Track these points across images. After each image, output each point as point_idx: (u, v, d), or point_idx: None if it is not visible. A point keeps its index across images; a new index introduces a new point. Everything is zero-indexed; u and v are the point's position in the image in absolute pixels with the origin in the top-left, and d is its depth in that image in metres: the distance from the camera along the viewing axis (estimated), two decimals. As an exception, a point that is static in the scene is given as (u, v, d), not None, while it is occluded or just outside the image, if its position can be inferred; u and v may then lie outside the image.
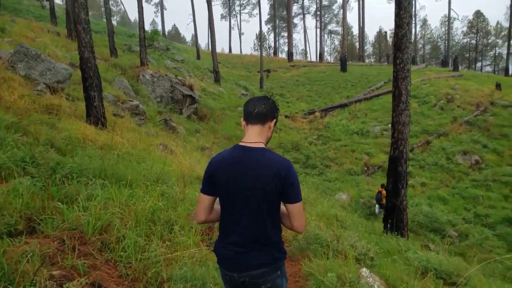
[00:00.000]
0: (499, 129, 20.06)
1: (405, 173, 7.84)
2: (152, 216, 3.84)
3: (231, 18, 68.15)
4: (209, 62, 30.72)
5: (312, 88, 31.82)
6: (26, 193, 3.44)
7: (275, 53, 55.71)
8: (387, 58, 48.02)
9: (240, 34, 73.29)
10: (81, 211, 3.41)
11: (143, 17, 19.24)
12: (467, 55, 65.60)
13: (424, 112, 23.12)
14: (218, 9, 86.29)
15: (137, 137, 8.39)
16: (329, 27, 70.69)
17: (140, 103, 12.97)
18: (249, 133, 2.04)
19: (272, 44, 62.51)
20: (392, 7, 8.19)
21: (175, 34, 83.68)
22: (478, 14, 62.98)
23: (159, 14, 64.71)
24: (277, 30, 61.94)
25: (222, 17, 69.78)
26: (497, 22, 64.21)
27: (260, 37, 39.79)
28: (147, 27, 48.30)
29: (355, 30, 68.26)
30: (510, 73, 47.75)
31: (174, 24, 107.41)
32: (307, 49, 78.77)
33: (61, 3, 37.92)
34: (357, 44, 66.89)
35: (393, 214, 7.66)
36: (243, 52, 63.37)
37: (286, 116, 24.58)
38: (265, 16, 70.38)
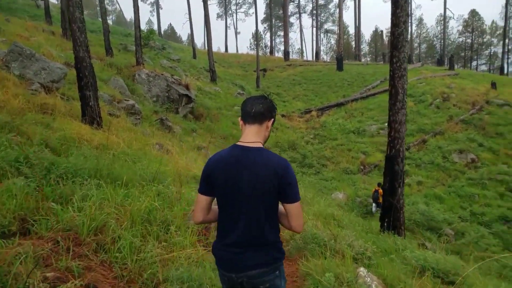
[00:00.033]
0: (495, 127, 20.14)
1: (402, 172, 7.85)
2: (148, 216, 3.81)
3: (227, 17, 68.12)
4: (205, 61, 30.63)
5: (309, 87, 31.83)
6: (20, 194, 3.40)
7: (271, 52, 55.61)
8: (383, 57, 48.13)
9: (236, 33, 73.15)
10: (76, 212, 3.37)
11: (138, 16, 19.13)
12: (463, 54, 65.86)
13: (420, 111, 23.17)
14: (214, 8, 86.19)
15: (133, 137, 8.33)
16: (325, 26, 70.80)
17: (136, 102, 12.90)
18: (246, 132, 2.02)
19: (269, 43, 62.37)
20: (388, 6, 8.20)
21: (171, 33, 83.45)
22: (474, 13, 63.29)
23: (155, 14, 64.47)
24: (273, 29, 61.81)
25: (218, 16, 69.66)
26: (492, 21, 64.56)
27: (257, 36, 39.76)
28: (143, 26, 48.20)
29: (351, 29, 68.65)
30: (505, 72, 48.07)
31: (170, 23, 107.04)
32: (304, 48, 78.82)
33: (56, 2, 37.67)
34: (353, 43, 67.01)
35: (390, 213, 7.67)
36: (240, 51, 63.42)
37: (283, 115, 24.58)
38: (261, 15, 70.32)
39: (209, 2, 30.01)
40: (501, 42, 52.14)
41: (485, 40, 65.31)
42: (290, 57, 49.52)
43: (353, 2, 55.49)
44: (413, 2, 54.54)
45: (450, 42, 65.59)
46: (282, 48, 52.69)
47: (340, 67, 35.81)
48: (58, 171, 4.27)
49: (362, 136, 21.61)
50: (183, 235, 3.74)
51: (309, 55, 78.65)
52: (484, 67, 67.16)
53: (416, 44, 69.36)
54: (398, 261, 4.60)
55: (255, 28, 40.64)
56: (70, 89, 10.11)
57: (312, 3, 63.10)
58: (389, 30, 8.33)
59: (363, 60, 58.94)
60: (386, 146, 8.20)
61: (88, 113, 8.19)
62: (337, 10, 45.38)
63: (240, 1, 68.90)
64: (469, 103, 23.14)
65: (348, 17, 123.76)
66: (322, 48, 73.76)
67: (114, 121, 9.42)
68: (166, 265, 3.22)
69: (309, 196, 9.25)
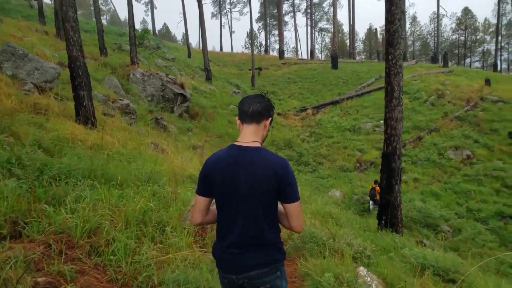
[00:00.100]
0: (489, 124, 20.22)
1: (399, 169, 7.82)
2: (143, 217, 3.74)
3: (222, 16, 67.99)
4: (200, 60, 30.52)
5: (304, 85, 31.83)
6: (11, 196, 3.31)
7: (266, 51, 55.52)
8: (378, 55, 48.18)
9: (231, 32, 73.12)
10: (69, 214, 3.29)
11: (133, 16, 18.99)
12: (456, 51, 66.26)
13: (415, 108, 23.22)
14: (208, 8, 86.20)
15: (127, 136, 8.25)
16: (320, 25, 70.86)
17: (130, 102, 12.79)
18: (244, 132, 2.00)
19: (263, 42, 62.33)
20: (382, 4, 8.17)
21: (166, 32, 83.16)
22: (466, 11, 63.68)
23: (149, 13, 64.14)
24: (268, 28, 61.68)
25: (213, 15, 69.53)
26: (485, 19, 65.09)
27: (251, 35, 39.72)
28: (138, 26, 47.97)
29: (346, 28, 68.67)
30: (498, 68, 48.36)
31: (165, 23, 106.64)
32: (298, 46, 78.78)
33: (50, 3, 37.26)
34: (347, 41, 67.04)
35: (387, 211, 7.64)
36: (234, 50, 63.25)
37: (278, 114, 24.56)
38: (255, 14, 70.27)
39: (203, 2, 29.89)
40: (494, 39, 52.41)
41: (478, 37, 65.78)
42: (285, 55, 49.48)
43: (347, 0, 55.62)
44: (406, 0, 54.70)
45: (443, 39, 65.93)
46: (277, 46, 52.64)
47: (335, 65, 35.82)
48: (51, 172, 4.19)
49: (357, 134, 21.63)
50: (179, 236, 3.67)
51: (304, 54, 78.56)
52: (477, 64, 67.64)
53: (410, 42, 69.61)
54: (397, 259, 4.56)
55: (249, 27, 40.63)
56: (64, 89, 10.00)
57: (307, 2, 63.09)
58: (383, 28, 8.31)
59: (357, 58, 58.94)
60: (381, 143, 8.17)
61: (82, 113, 8.09)
62: (331, 8, 45.40)
63: (235, 0, 68.92)
64: (463, 100, 23.22)
65: (342, 16, 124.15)
66: (316, 46, 73.91)
67: (108, 121, 9.32)
68: (161, 267, 3.15)
69: (306, 195, 9.22)
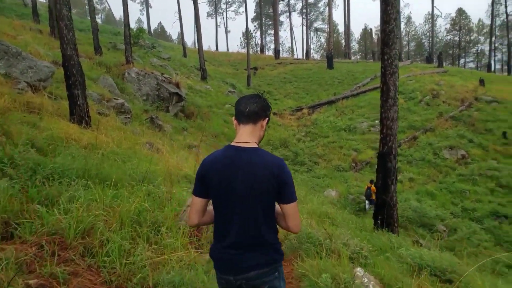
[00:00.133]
0: (484, 124, 20.35)
1: (395, 169, 7.81)
2: (137, 218, 3.68)
3: (218, 16, 67.92)
4: (196, 60, 30.43)
5: (299, 85, 31.85)
6: (3, 196, 3.25)
7: (261, 50, 55.56)
8: (373, 55, 48.42)
9: (227, 31, 72.99)
10: (62, 214, 3.23)
11: (128, 15, 18.88)
12: (451, 51, 66.65)
13: (410, 107, 23.32)
14: (204, 7, 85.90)
15: (122, 136, 8.18)
16: (315, 25, 71.01)
17: (125, 101, 12.70)
18: (241, 132, 1.98)
19: (259, 42, 62.42)
20: (377, 4, 8.16)
21: (161, 32, 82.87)
22: (461, 12, 64.11)
23: (144, 12, 64.04)
24: (263, 28, 61.74)
25: (208, 15, 69.40)
26: (479, 20, 65.46)
27: (247, 35, 39.67)
28: (133, 25, 47.84)
29: (341, 28, 68.61)
30: (492, 69, 48.69)
31: (160, 22, 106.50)
32: (294, 46, 78.95)
33: (44, 1, 36.99)
34: (343, 41, 67.14)
35: (383, 210, 7.63)
36: (230, 50, 63.09)
37: (274, 113, 24.54)
38: (251, 14, 70.30)
39: (199, 1, 29.81)
40: (488, 40, 52.77)
41: (472, 38, 66.24)
42: (281, 55, 49.51)
43: (342, 0, 55.69)
44: (401, 1, 54.92)
45: (438, 40, 66.28)
46: (273, 46, 52.81)
47: (330, 65, 35.87)
48: (44, 172, 4.13)
49: (353, 134, 21.68)
50: (174, 236, 3.62)
51: (299, 54, 78.57)
52: (472, 65, 68.11)
53: (405, 42, 69.87)
54: (394, 259, 4.55)
55: (245, 26, 40.55)
56: (58, 88, 9.90)
57: (302, 1, 63.25)
58: (378, 28, 8.31)
59: (353, 58, 59.08)
60: (377, 143, 8.17)
61: (76, 112, 8.01)
62: (327, 8, 45.53)
63: (230, 0, 68.79)
64: (458, 100, 23.35)
65: (338, 16, 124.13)
66: (312, 46, 74.02)
67: (103, 120, 9.25)
68: (156, 268, 3.10)
69: (302, 194, 9.19)
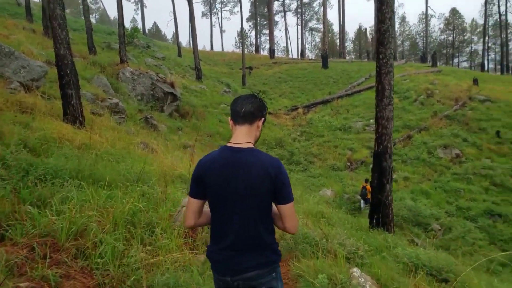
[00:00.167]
0: (477, 123, 20.46)
1: (390, 168, 7.82)
2: (131, 219, 3.64)
3: (212, 15, 67.72)
4: (191, 59, 30.33)
5: (295, 84, 31.87)
6: (-6, 197, 3.19)
7: (256, 50, 55.45)
8: (368, 54, 48.56)
9: (222, 31, 72.81)
10: (55, 215, 3.18)
11: (122, 14, 18.78)
12: (445, 51, 67.07)
13: (405, 107, 23.39)
14: (199, 7, 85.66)
15: (116, 136, 8.12)
16: (310, 25, 71.02)
17: (120, 101, 12.61)
18: (237, 133, 1.96)
19: (254, 42, 62.13)
20: (371, 4, 8.14)
21: (156, 31, 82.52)
22: (454, 12, 64.53)
23: (139, 12, 63.81)
24: (258, 28, 61.65)
25: (203, 14, 69.19)
26: (472, 19, 65.99)
27: (242, 35, 39.58)
28: (127, 24, 47.62)
29: (336, 27, 68.84)
30: (485, 68, 49.03)
31: (155, 22, 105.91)
32: (289, 46, 78.60)
33: (37, 1, 36.72)
34: (337, 41, 67.38)
35: (379, 210, 7.64)
36: (225, 50, 63.10)
37: (269, 113, 24.47)
38: (246, 14, 70.22)
39: (193, 1, 29.72)
40: (481, 40, 53.13)
41: (465, 37, 66.70)
42: (276, 55, 49.55)
43: (337, 0, 55.77)
44: (396, 0, 55.16)
45: (432, 39, 66.59)
46: (268, 46, 52.82)
47: (325, 65, 35.92)
48: (36, 173, 4.08)
49: (348, 133, 21.71)
50: (169, 237, 3.58)
51: (294, 53, 78.73)
52: (465, 64, 68.54)
53: (399, 42, 70.17)
54: (390, 259, 4.53)
55: (240, 26, 40.52)
56: (51, 87, 9.82)
57: (297, 1, 63.26)
58: (373, 28, 8.30)
59: (347, 57, 59.22)
60: (372, 142, 8.18)
61: (70, 112, 7.93)
62: (322, 8, 45.61)
63: (225, 0, 68.60)
64: (452, 99, 23.45)
65: (332, 15, 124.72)
66: (307, 46, 74.10)
67: (97, 120, 9.16)
68: (151, 270, 3.06)
69: (298, 194, 9.17)
